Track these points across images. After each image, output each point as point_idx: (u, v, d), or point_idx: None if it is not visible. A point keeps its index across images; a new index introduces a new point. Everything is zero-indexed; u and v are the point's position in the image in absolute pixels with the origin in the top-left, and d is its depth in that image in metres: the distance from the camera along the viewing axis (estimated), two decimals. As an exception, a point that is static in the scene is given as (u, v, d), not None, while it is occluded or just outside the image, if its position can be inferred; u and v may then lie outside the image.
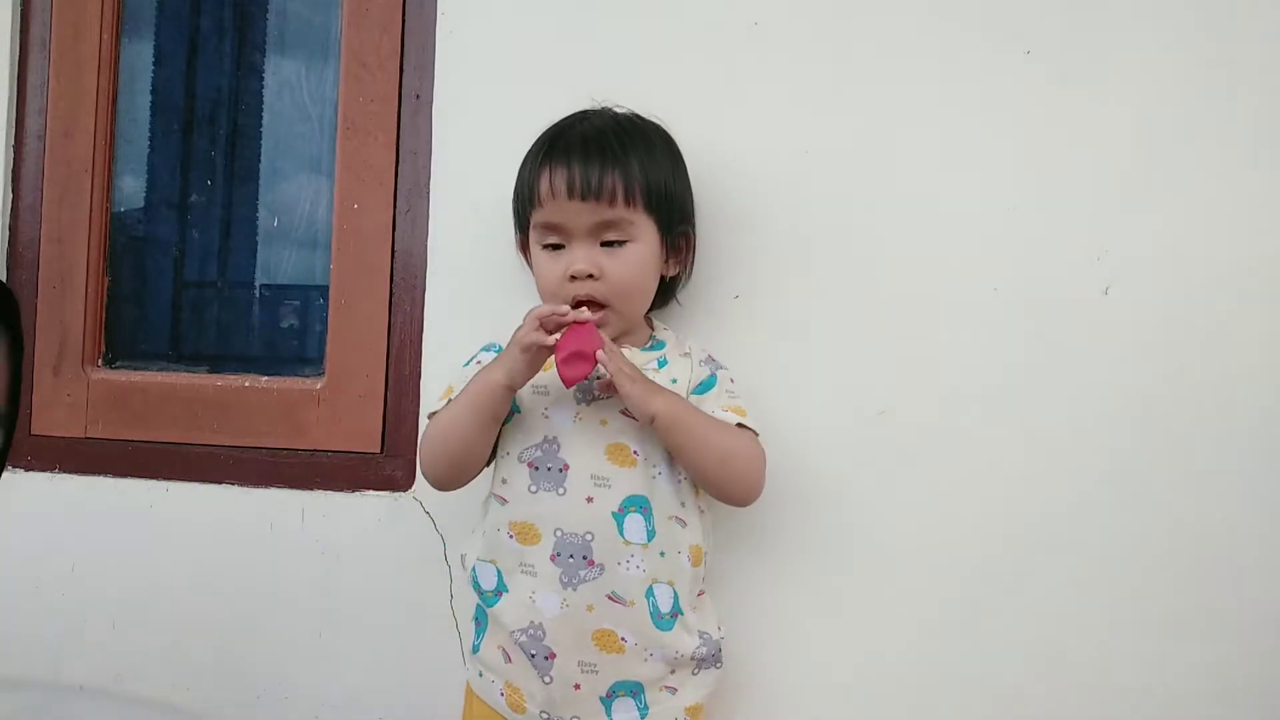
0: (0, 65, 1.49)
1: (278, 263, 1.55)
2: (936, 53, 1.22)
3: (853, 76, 1.23)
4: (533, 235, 1.12)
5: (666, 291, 1.19)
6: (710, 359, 1.15)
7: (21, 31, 1.50)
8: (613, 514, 1.04)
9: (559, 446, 1.06)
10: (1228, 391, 1.15)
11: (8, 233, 1.50)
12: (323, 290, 1.43)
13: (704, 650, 1.09)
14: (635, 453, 1.05)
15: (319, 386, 1.41)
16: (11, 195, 1.50)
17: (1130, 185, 1.18)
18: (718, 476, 1.07)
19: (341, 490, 1.37)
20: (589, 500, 1.04)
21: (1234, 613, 1.15)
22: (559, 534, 1.04)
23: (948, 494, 1.20)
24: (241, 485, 1.40)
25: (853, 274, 1.23)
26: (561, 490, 1.05)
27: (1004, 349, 1.20)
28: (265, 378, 1.44)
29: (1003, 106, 1.20)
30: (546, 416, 1.08)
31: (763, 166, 1.24)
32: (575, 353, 1.00)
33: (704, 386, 1.11)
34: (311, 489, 1.38)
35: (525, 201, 1.12)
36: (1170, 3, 1.18)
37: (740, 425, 1.08)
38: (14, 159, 1.50)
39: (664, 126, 1.16)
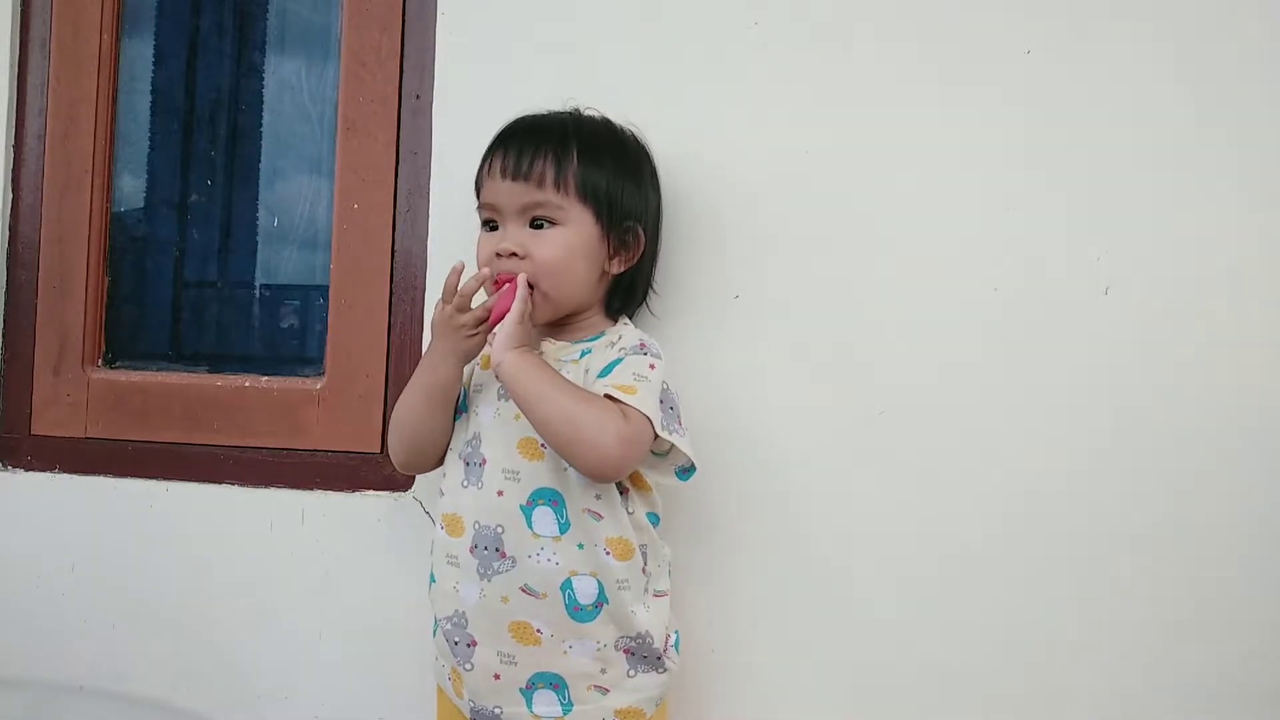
0: (0, 65, 1.49)
1: (278, 263, 1.55)
2: (936, 52, 1.22)
3: (853, 76, 1.23)
4: (480, 215, 1.14)
5: (629, 294, 1.17)
6: (638, 346, 1.08)
7: (21, 31, 1.50)
8: (521, 507, 1.04)
9: (481, 441, 1.08)
10: (1227, 391, 1.15)
11: (8, 233, 1.50)
12: (323, 290, 1.43)
13: (631, 645, 1.06)
14: (543, 445, 1.04)
15: (319, 386, 1.41)
16: (11, 195, 1.50)
17: (1130, 185, 1.18)
18: (555, 437, 1.00)
19: (341, 490, 1.37)
20: (500, 494, 1.05)
21: (1234, 613, 1.15)
22: (476, 526, 1.06)
23: (948, 494, 1.20)
24: (241, 485, 1.40)
25: (853, 274, 1.23)
26: (480, 484, 1.06)
27: (1004, 349, 1.20)
28: (265, 378, 1.44)
29: (1003, 106, 1.20)
30: (477, 413, 1.11)
31: (763, 166, 1.24)
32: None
33: (606, 370, 1.06)
34: (311, 489, 1.38)
35: (475, 184, 1.15)
36: (1170, 2, 1.18)
37: (610, 396, 1.01)
38: (14, 159, 1.50)
39: (639, 135, 1.17)
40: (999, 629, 1.19)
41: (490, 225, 1.11)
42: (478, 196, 1.14)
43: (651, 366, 1.06)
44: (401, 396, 1.14)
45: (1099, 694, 1.17)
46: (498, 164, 1.09)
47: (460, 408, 1.13)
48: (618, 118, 1.16)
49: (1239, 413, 1.15)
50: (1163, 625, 1.16)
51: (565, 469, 1.04)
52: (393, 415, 1.15)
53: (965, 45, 1.21)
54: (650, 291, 1.20)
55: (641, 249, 1.14)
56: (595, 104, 1.16)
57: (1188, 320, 1.16)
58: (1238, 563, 1.15)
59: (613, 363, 1.06)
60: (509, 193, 1.08)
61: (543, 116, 1.13)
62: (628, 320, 1.17)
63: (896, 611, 1.21)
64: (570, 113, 1.15)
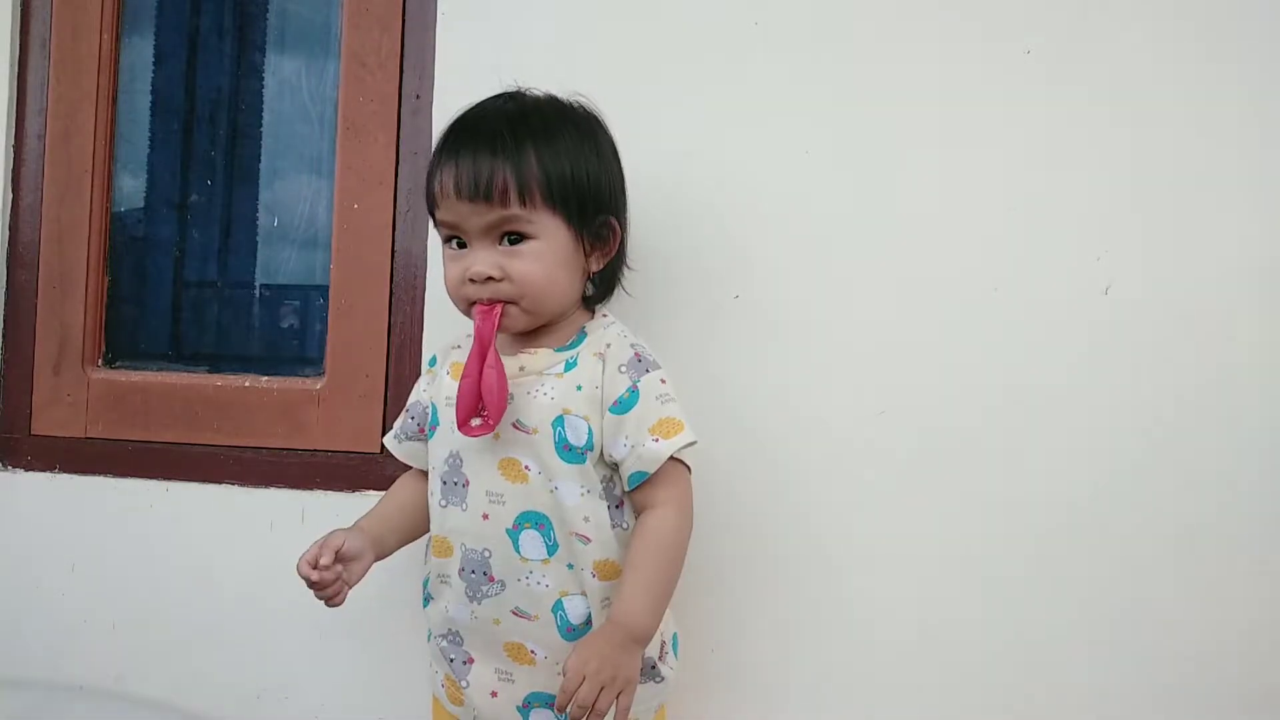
0: (0, 65, 1.49)
1: (278, 263, 1.55)
2: (937, 53, 1.22)
3: (853, 76, 1.23)
4: (439, 231, 1.06)
5: (606, 280, 1.11)
6: (636, 359, 1.03)
7: (21, 31, 1.50)
8: (507, 531, 1.01)
9: (461, 462, 1.04)
10: (1227, 391, 1.15)
11: (8, 233, 1.50)
12: (323, 290, 1.43)
13: None
14: (527, 468, 1.00)
15: (319, 386, 1.41)
16: (11, 195, 1.50)
17: (1130, 185, 1.18)
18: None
19: (341, 490, 1.37)
20: (485, 517, 1.02)
21: (1233, 614, 1.15)
22: (463, 548, 1.03)
23: (947, 494, 1.20)
24: (241, 485, 1.40)
25: (852, 274, 1.23)
26: (464, 506, 1.03)
27: (1004, 349, 1.20)
28: (265, 378, 1.44)
29: (1003, 106, 1.20)
30: (452, 430, 1.03)
31: (763, 166, 1.24)
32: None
33: (623, 405, 1.00)
34: (311, 489, 1.38)
35: (427, 198, 1.07)
36: (1170, 3, 1.18)
37: (672, 458, 0.99)
38: (14, 159, 1.50)
39: (589, 108, 1.09)
40: (999, 628, 1.19)
41: (456, 243, 1.03)
42: (431, 211, 1.06)
43: (663, 381, 1.03)
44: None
45: (1099, 693, 1.17)
46: (450, 180, 1.00)
47: (432, 422, 1.09)
48: (618, 118, 1.12)
49: (1239, 412, 1.15)
50: (1163, 625, 1.16)
51: (553, 490, 1.00)
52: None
53: (965, 45, 1.21)
54: (624, 268, 1.13)
55: (619, 240, 1.08)
56: (595, 104, 1.15)
57: (1187, 320, 1.16)
58: (1237, 562, 1.15)
59: (624, 400, 1.00)
60: (471, 213, 0.99)
61: (485, 115, 1.05)
62: (605, 312, 1.11)
63: (896, 611, 1.21)
64: (511, 101, 1.06)
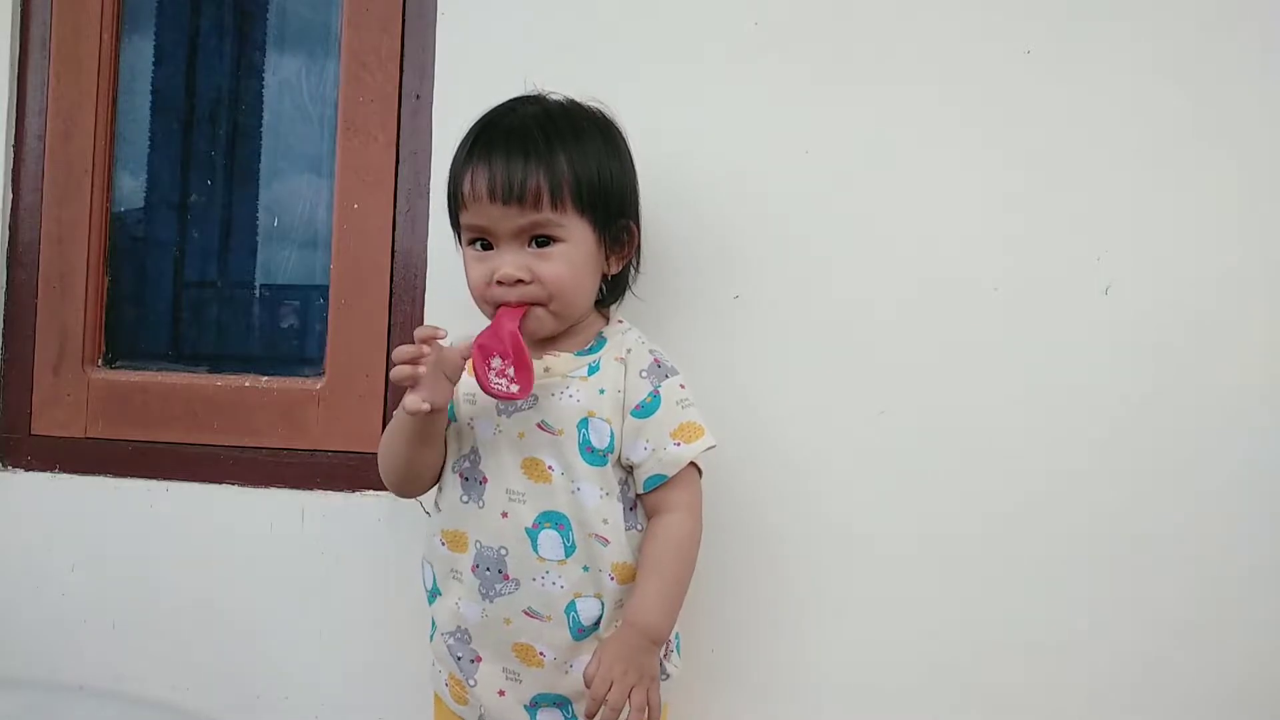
0: (0, 65, 1.49)
1: (278, 263, 1.55)
2: (937, 52, 1.22)
3: (853, 76, 1.23)
4: (462, 234, 1.07)
5: (618, 287, 1.14)
6: (656, 365, 1.05)
7: (21, 31, 1.50)
8: (526, 530, 1.01)
9: (479, 459, 1.05)
10: (1227, 392, 1.15)
11: (8, 233, 1.51)
12: (323, 290, 1.43)
13: None
14: (550, 468, 1.02)
15: (319, 386, 1.41)
16: (11, 195, 1.50)
17: (1130, 185, 1.18)
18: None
19: (341, 490, 1.37)
20: (504, 515, 1.02)
21: (1236, 614, 1.15)
22: (478, 545, 1.04)
23: (948, 494, 1.20)
24: (241, 485, 1.40)
25: (852, 273, 1.23)
26: (481, 503, 1.04)
27: (1004, 349, 1.20)
28: (265, 378, 1.44)
29: (1003, 106, 1.20)
30: (471, 427, 1.06)
31: (763, 166, 1.24)
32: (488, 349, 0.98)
33: (645, 410, 1.02)
34: (311, 489, 1.38)
35: (452, 200, 1.07)
36: (1170, 2, 1.18)
37: (690, 464, 1.02)
38: (14, 159, 1.50)
39: (607, 112, 1.10)
40: (999, 629, 1.19)
41: (481, 245, 1.04)
42: (455, 211, 1.07)
43: (682, 386, 1.05)
44: (389, 437, 1.08)
45: (1100, 693, 1.17)
46: (482, 183, 1.00)
47: (449, 416, 1.08)
48: (618, 118, 1.12)
49: (1239, 412, 1.15)
50: (1163, 625, 1.16)
51: (574, 491, 1.01)
52: (382, 451, 1.10)
53: (965, 45, 1.21)
54: (635, 273, 1.15)
55: (636, 244, 1.11)
56: (595, 104, 1.15)
57: (1188, 320, 1.16)
58: (1238, 563, 1.15)
59: (646, 405, 1.02)
60: (503, 216, 1.00)
61: (514, 118, 1.05)
62: (620, 319, 1.12)
63: (897, 611, 1.21)
64: (536, 104, 1.07)
